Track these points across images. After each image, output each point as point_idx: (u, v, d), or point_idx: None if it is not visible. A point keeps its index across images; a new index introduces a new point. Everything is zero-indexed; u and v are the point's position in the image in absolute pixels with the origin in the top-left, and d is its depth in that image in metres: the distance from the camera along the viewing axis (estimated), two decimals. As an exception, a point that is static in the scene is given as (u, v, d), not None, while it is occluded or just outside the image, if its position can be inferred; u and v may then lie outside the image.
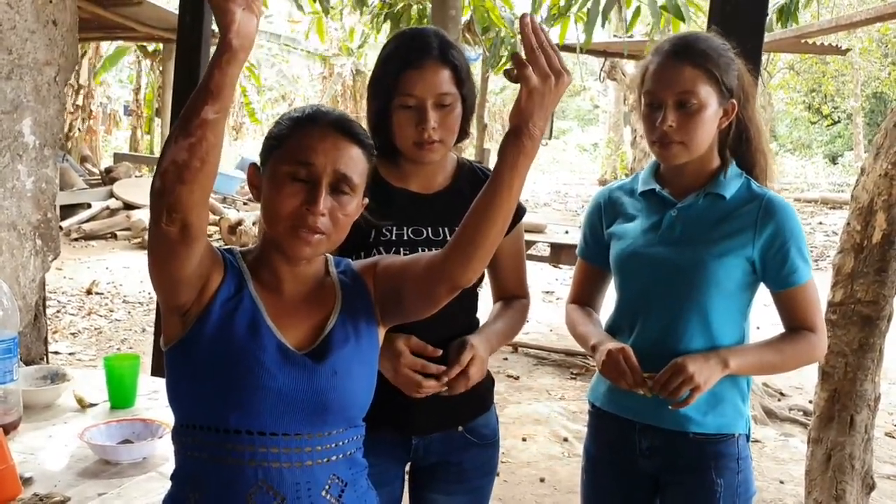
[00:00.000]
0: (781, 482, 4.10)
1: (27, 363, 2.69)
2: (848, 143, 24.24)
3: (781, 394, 5.41)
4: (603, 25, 5.62)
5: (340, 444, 1.38)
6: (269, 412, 1.31)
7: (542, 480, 3.96)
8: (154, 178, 1.17)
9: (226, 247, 1.45)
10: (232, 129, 21.13)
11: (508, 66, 1.24)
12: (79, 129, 13.60)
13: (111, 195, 10.33)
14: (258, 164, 1.41)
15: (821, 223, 13.96)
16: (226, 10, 1.07)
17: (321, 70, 21.23)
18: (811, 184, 20.38)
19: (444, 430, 1.81)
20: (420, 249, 1.74)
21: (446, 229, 1.77)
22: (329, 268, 1.47)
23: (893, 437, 4.92)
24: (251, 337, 1.33)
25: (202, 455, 1.34)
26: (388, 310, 1.45)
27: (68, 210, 10.19)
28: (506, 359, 5.85)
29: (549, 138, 7.60)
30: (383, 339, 1.51)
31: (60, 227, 10.15)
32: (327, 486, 1.36)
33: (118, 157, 11.94)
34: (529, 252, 6.06)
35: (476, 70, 17.23)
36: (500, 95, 25.92)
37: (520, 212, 1.87)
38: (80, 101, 13.51)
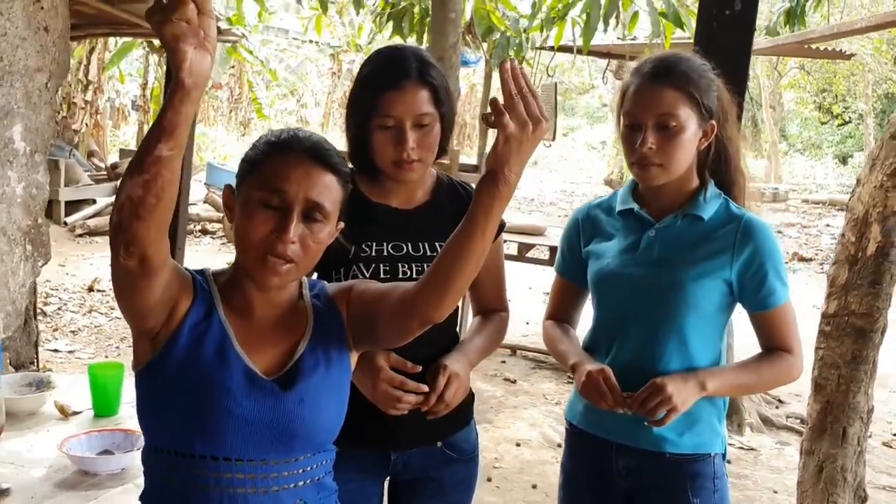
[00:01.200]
0: (775, 492, 4.09)
1: (17, 367, 2.71)
2: (858, 144, 24.08)
3: (779, 401, 5.40)
4: (605, 30, 5.60)
5: (308, 469, 1.39)
6: (234, 438, 1.31)
7: (534, 487, 3.95)
8: (112, 213, 1.17)
9: (198, 269, 1.45)
10: (240, 125, 21.17)
11: (487, 110, 1.23)
12: (86, 125, 13.63)
13: (116, 191, 10.36)
14: (233, 185, 1.40)
15: (828, 225, 13.90)
16: (177, 50, 1.06)
17: (330, 66, 21.24)
18: (820, 185, 20.27)
19: (422, 446, 1.81)
20: (400, 265, 1.74)
21: (426, 244, 1.77)
22: (303, 291, 1.46)
23: (891, 448, 4.90)
24: (219, 362, 1.33)
25: (168, 478, 1.34)
26: (360, 336, 1.45)
27: (73, 206, 10.23)
28: (503, 362, 5.85)
29: (553, 139, 7.55)
30: (361, 356, 1.51)
31: (65, 223, 10.15)
32: None
33: (124, 153, 11.96)
34: (529, 254, 6.04)
35: (478, 73, 17.20)
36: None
37: (501, 225, 1.87)
38: (88, 97, 13.54)
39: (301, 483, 1.37)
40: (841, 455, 3.20)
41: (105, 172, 11.68)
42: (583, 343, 1.89)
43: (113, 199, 10.37)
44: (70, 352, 5.50)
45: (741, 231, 1.73)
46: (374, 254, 1.73)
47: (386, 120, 1.67)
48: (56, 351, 5.43)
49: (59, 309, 6.42)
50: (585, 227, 1.90)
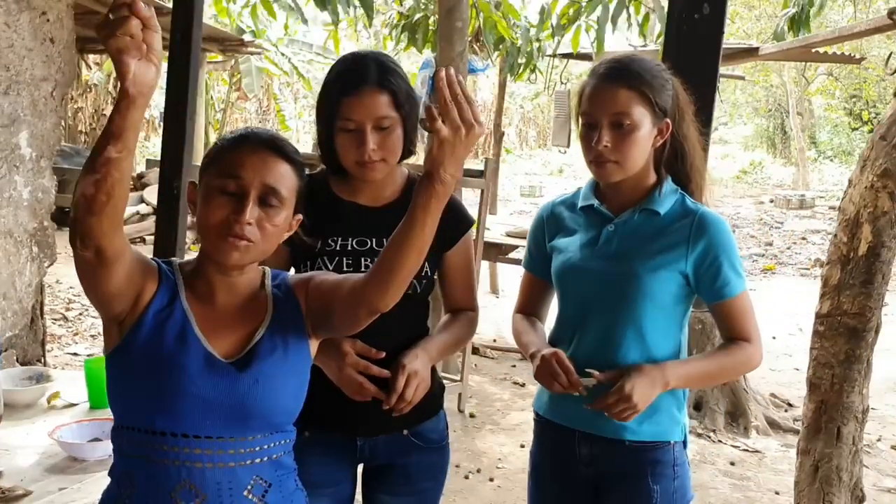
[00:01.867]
0: (777, 493, 4.09)
1: (23, 364, 2.82)
2: (890, 150, 23.69)
3: (789, 404, 5.38)
4: (613, 31, 5.64)
5: (265, 447, 1.46)
6: (191, 416, 1.40)
7: (535, 486, 3.99)
8: (70, 208, 1.28)
9: (165, 259, 1.54)
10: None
11: (422, 116, 1.31)
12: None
13: (142, 200, 10.58)
14: (196, 182, 1.50)
15: (854, 232, 13.70)
16: (121, 62, 1.16)
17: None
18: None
19: (389, 433, 1.88)
20: (363, 259, 1.82)
21: None
22: (265, 281, 1.55)
23: (901, 452, 4.86)
24: (179, 346, 1.42)
25: (133, 454, 1.44)
26: (318, 324, 1.53)
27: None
28: (514, 366, 5.90)
29: (568, 146, 7.61)
30: (327, 341, 1.59)
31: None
32: (250, 486, 1.44)
33: (150, 163, 12.21)
34: (519, 256, 6.09)
35: (489, 79, 17.20)
36: (535, 101, 25.91)
37: (467, 223, 1.95)
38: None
39: (258, 460, 1.45)
40: (836, 454, 3.21)
41: (132, 182, 11.91)
42: (548, 337, 1.95)
43: (139, 208, 10.53)
44: (89, 355, 5.64)
45: (696, 225, 1.79)
46: (338, 248, 1.81)
47: (347, 123, 1.76)
48: (76, 355, 5.58)
49: (80, 314, 6.58)
50: (549, 224, 1.96)
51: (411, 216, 1.33)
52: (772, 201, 17.48)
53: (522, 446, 4.50)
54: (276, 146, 1.46)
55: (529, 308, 2.02)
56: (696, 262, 1.78)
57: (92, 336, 6.08)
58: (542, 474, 1.97)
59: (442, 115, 1.27)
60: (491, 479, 4.03)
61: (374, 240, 1.85)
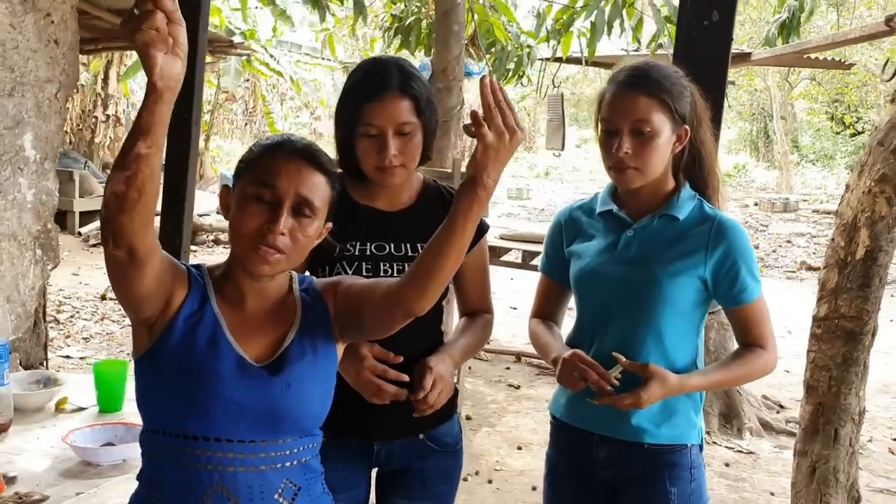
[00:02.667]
0: (772, 494, 4.13)
1: (27, 368, 2.80)
2: (871, 154, 23.94)
3: (781, 406, 5.43)
4: (609, 37, 5.67)
5: (294, 451, 1.47)
6: (224, 420, 1.40)
7: (533, 489, 4.01)
8: (101, 208, 1.27)
9: (194, 263, 1.54)
10: (254, 138, 21.35)
11: (467, 121, 1.32)
12: (109, 138, 13.83)
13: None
14: (230, 185, 1.50)
15: (838, 235, 13.84)
16: (148, 55, 1.15)
17: (343, 80, 21.40)
18: (831, 195, 20.20)
19: (405, 437, 1.89)
20: (382, 264, 1.83)
21: (408, 245, 1.85)
22: (293, 285, 1.56)
23: (894, 454, 4.92)
24: (211, 350, 1.42)
25: (164, 458, 1.44)
26: (346, 328, 1.54)
27: (87, 216, 10.38)
28: (508, 368, 5.91)
29: (562, 149, 7.65)
30: (347, 346, 1.60)
31: (79, 233, 10.27)
32: (280, 490, 1.45)
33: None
34: (533, 262, 6.11)
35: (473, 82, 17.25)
36: (521, 104, 25.95)
37: (482, 229, 1.96)
38: (112, 111, 13.74)
39: (288, 464, 1.46)
40: (833, 456, 3.25)
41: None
42: (566, 341, 1.96)
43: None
44: (82, 358, 5.61)
45: (715, 230, 1.81)
46: (357, 253, 1.82)
47: (368, 129, 1.77)
48: (68, 357, 5.54)
49: (71, 316, 6.54)
50: (568, 229, 1.98)
51: (452, 220, 1.34)
52: (756, 204, 17.61)
53: (519, 448, 4.52)
54: (311, 156, 1.47)
55: (546, 312, 2.03)
56: (714, 268, 1.80)
57: (84, 339, 6.04)
58: (558, 477, 1.98)
59: (486, 120, 1.28)
60: (489, 482, 4.05)
61: (392, 244, 1.85)
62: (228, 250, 1.50)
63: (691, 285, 1.81)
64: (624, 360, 1.75)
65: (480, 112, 1.29)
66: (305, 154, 1.46)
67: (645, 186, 1.84)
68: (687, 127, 1.82)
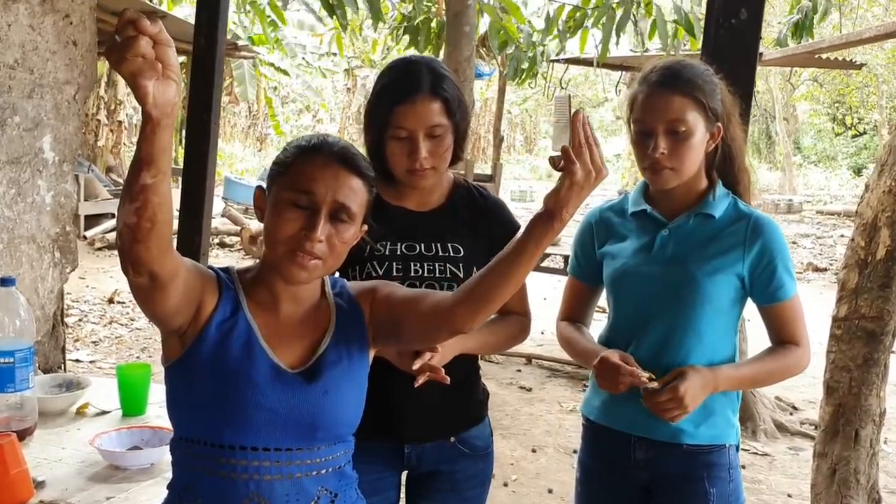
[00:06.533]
0: (789, 496, 4.11)
1: (45, 371, 2.78)
2: (873, 155, 23.99)
3: (794, 407, 5.41)
4: (617, 43, 5.66)
5: (329, 458, 1.45)
6: (261, 428, 1.38)
7: (550, 491, 4.00)
8: (115, 238, 1.24)
9: (222, 267, 1.51)
10: (256, 141, 21.36)
11: (555, 154, 1.29)
12: (112, 140, 13.83)
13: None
14: (264, 187, 1.47)
15: (842, 236, 13.88)
16: (137, 86, 1.08)
17: (345, 82, 21.42)
18: (834, 196, 20.22)
19: (435, 440, 1.87)
20: (412, 264, 1.81)
21: (438, 245, 1.84)
22: (326, 289, 1.53)
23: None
24: (245, 358, 1.39)
25: (198, 467, 1.41)
26: (381, 335, 1.51)
27: (92, 220, 10.37)
28: (519, 371, 5.90)
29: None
30: None
31: (84, 237, 10.25)
32: (317, 498, 1.43)
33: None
34: (544, 264, 6.10)
35: (492, 86, 17.24)
36: (522, 106, 25.97)
37: (517, 228, 1.93)
38: (108, 113, 13.73)
39: (323, 471, 1.44)
40: (854, 457, 3.23)
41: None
42: (598, 342, 1.94)
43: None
44: (91, 362, 5.59)
45: (751, 228, 1.80)
46: (387, 252, 1.80)
47: (399, 132, 1.75)
48: (77, 361, 5.52)
49: (80, 320, 6.53)
50: (599, 230, 1.96)
51: (522, 248, 1.30)
52: (759, 206, 17.58)
53: (534, 451, 4.50)
54: (349, 160, 1.43)
55: (575, 314, 2.02)
56: (752, 265, 1.79)
57: (93, 342, 6.03)
58: (593, 479, 1.96)
59: (576, 156, 1.25)
60: (505, 485, 4.03)
61: (422, 245, 1.84)
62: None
63: (729, 283, 1.80)
64: (655, 384, 1.72)
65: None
66: (343, 158, 1.42)
67: (679, 186, 1.83)
68: (720, 125, 1.80)
